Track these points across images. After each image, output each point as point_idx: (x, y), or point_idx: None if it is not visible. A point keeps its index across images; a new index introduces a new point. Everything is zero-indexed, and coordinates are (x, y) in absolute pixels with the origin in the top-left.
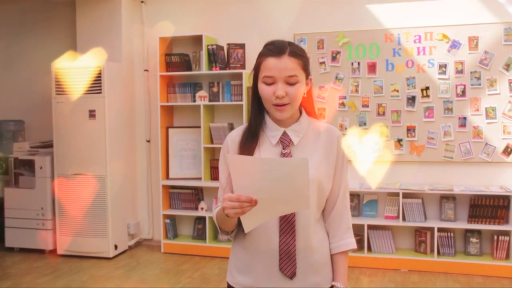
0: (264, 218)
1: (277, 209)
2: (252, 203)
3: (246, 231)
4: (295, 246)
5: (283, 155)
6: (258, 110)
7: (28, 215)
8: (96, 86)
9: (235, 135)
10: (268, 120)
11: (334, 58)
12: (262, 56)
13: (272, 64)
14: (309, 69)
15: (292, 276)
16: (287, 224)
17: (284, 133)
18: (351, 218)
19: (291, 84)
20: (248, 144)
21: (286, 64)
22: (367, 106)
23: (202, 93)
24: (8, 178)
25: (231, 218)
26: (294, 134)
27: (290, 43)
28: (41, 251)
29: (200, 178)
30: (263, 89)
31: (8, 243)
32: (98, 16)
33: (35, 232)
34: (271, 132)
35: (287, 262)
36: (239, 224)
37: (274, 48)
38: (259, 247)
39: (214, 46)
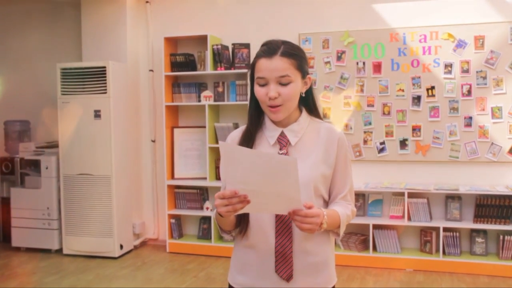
0: (255, 210)
1: (268, 205)
2: (241, 198)
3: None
4: (292, 248)
5: None
6: (256, 111)
7: (34, 215)
8: (101, 86)
9: (236, 135)
10: (267, 120)
11: (339, 58)
12: (256, 57)
13: (263, 65)
14: (306, 68)
15: (288, 278)
16: (283, 226)
17: (282, 133)
18: (355, 215)
19: (284, 85)
20: (245, 144)
21: (277, 65)
22: (372, 105)
23: (207, 93)
24: (14, 178)
25: (225, 218)
26: (292, 134)
27: (285, 43)
28: (47, 251)
29: (205, 178)
30: (257, 90)
31: (15, 242)
32: (103, 16)
33: (41, 231)
34: (269, 132)
35: (283, 264)
36: (240, 223)
37: (267, 49)
38: (256, 247)
39: (219, 46)
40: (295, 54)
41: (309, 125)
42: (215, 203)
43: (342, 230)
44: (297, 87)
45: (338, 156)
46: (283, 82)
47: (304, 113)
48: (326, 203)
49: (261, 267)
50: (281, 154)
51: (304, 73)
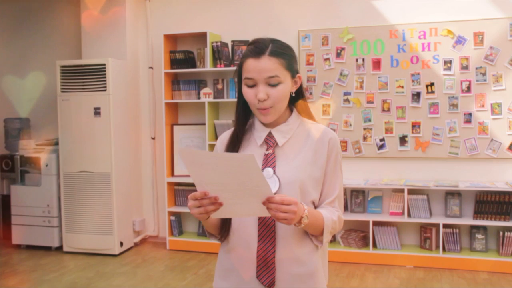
0: (233, 214)
1: (245, 207)
2: (211, 199)
3: (213, 217)
4: (275, 254)
5: (266, 156)
6: (243, 112)
7: (34, 212)
8: (101, 83)
9: (224, 137)
10: (256, 120)
11: (338, 55)
12: (243, 57)
13: (251, 66)
14: (296, 67)
15: (270, 285)
16: (266, 230)
17: (270, 134)
18: (343, 219)
19: (273, 86)
20: (232, 146)
21: (265, 65)
22: (372, 102)
23: (207, 90)
24: (15, 176)
25: (202, 220)
26: (280, 135)
27: (273, 41)
28: (47, 248)
29: None
30: (246, 92)
31: (15, 240)
32: (102, 13)
33: (41, 229)
34: (258, 133)
35: (265, 271)
36: (224, 227)
37: (254, 49)
38: (238, 253)
39: (219, 43)
40: (284, 54)
41: (299, 126)
42: (188, 204)
43: (326, 237)
44: (286, 88)
45: (328, 157)
46: (272, 83)
47: (295, 113)
48: None
49: (242, 273)
50: (267, 154)
51: (293, 72)
